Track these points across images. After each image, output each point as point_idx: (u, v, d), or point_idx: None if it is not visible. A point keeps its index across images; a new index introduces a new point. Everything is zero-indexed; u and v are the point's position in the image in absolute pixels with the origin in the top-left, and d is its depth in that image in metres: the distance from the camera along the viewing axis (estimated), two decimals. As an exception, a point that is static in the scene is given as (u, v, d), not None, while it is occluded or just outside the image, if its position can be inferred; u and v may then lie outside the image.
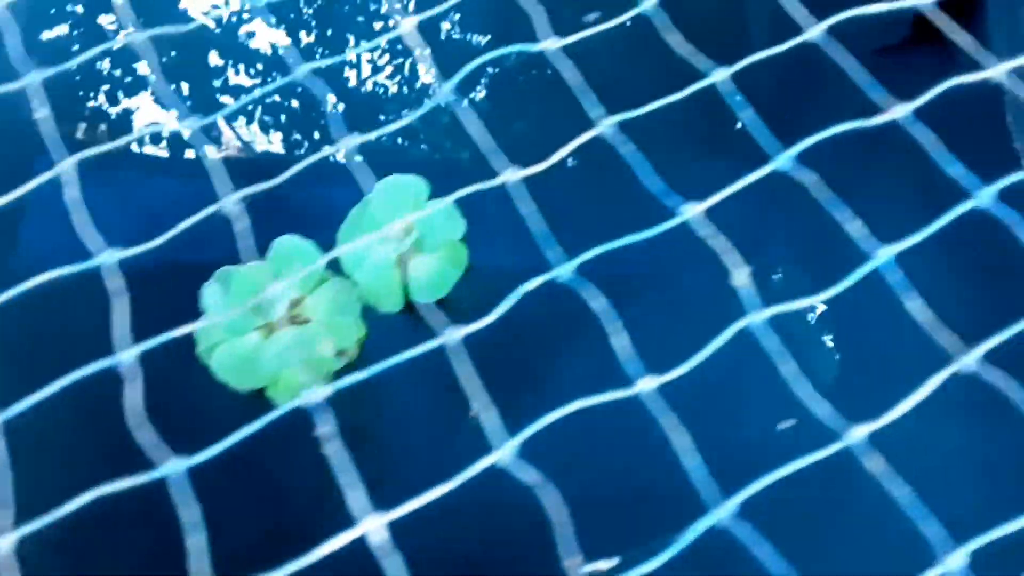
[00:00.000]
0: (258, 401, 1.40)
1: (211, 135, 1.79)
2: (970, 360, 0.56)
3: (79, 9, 1.90)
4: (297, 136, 1.81)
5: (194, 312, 1.42)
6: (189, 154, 1.76)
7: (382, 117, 1.81)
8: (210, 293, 1.39)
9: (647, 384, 0.56)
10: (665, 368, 0.59)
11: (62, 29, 1.87)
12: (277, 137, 1.81)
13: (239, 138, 1.77)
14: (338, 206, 1.54)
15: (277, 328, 1.40)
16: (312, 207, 1.59)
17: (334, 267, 1.47)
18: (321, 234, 1.48)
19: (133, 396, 0.67)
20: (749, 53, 0.73)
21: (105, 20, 1.89)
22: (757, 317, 0.58)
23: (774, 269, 1.55)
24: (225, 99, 1.83)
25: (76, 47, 1.86)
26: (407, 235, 1.47)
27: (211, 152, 1.74)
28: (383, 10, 1.92)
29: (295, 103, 1.88)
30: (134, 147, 1.74)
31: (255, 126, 1.81)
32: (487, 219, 1.58)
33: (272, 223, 1.56)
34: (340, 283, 1.44)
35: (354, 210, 1.51)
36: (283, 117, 1.86)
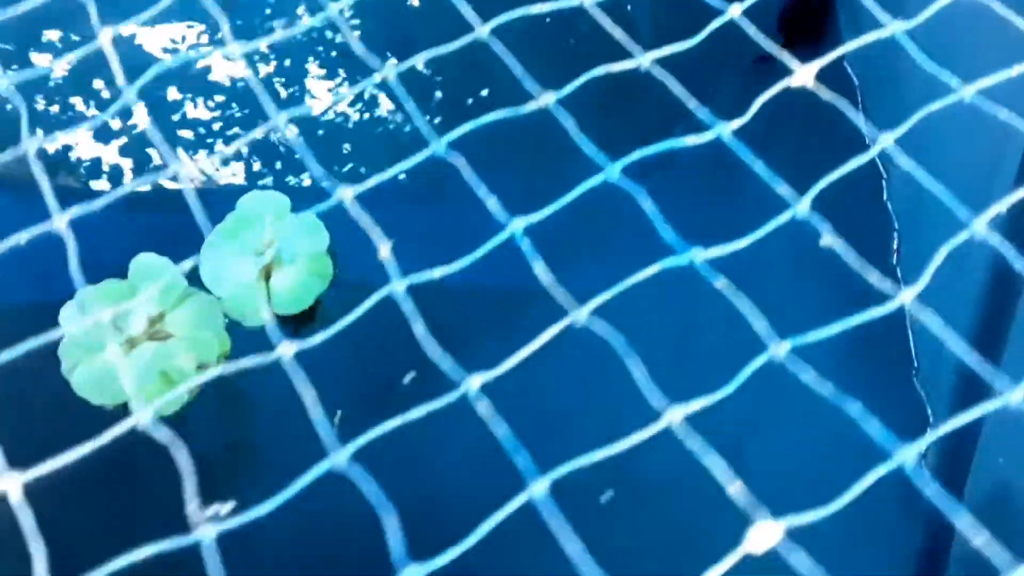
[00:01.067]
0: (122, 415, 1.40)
1: (172, 168, 1.79)
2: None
3: (10, 47, 1.91)
4: (259, 167, 1.83)
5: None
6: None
7: (347, 147, 1.85)
8: (67, 313, 1.39)
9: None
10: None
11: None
12: (240, 168, 1.83)
13: (201, 171, 1.78)
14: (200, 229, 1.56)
15: (138, 344, 1.40)
16: (176, 230, 1.61)
17: (198, 284, 1.48)
18: (186, 255, 1.50)
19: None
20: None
21: (41, 59, 1.90)
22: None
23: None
24: (184, 133, 1.84)
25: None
26: (267, 248, 1.49)
27: (173, 187, 1.77)
28: (338, 39, 1.97)
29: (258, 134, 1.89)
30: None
31: (215, 158, 1.83)
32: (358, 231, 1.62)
33: (135, 248, 1.57)
34: (202, 298, 1.46)
35: (216, 228, 1.52)
36: (245, 149, 1.87)
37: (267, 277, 1.51)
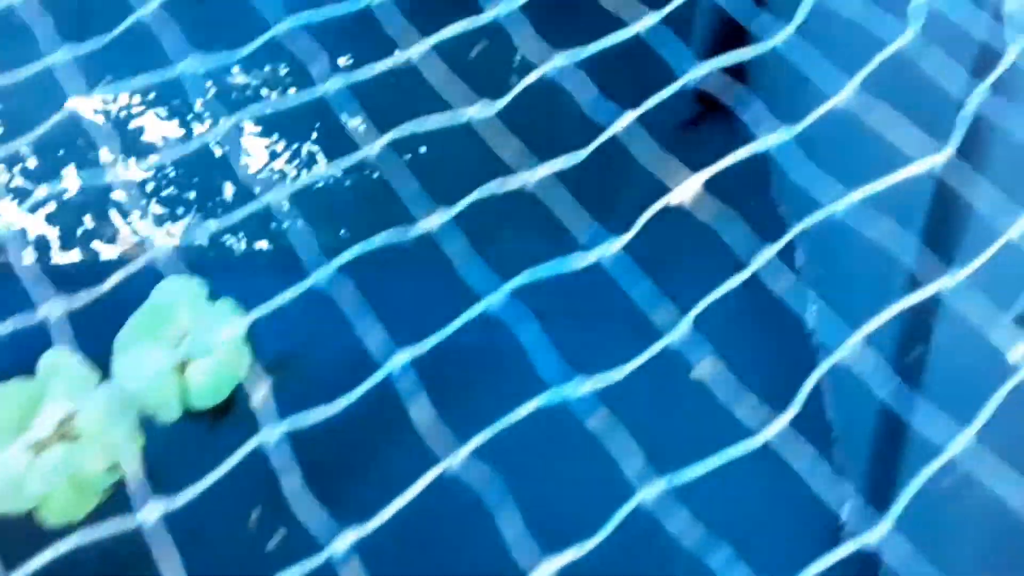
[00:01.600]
0: (28, 522, 1.34)
1: (106, 232, 1.75)
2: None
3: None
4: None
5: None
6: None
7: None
8: (-30, 416, 1.34)
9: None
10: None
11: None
12: (177, 230, 1.78)
13: (135, 233, 1.73)
14: (117, 312, 1.52)
15: (46, 446, 1.35)
16: (89, 318, 1.56)
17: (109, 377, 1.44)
18: (98, 343, 1.44)
19: None
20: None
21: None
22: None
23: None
24: (117, 195, 1.79)
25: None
26: (182, 339, 1.46)
27: (107, 251, 1.71)
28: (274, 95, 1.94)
29: (192, 195, 1.85)
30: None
31: (149, 220, 1.78)
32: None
33: (44, 337, 1.52)
34: (114, 394, 1.41)
35: (132, 317, 1.48)
36: (180, 209, 1.83)
37: (182, 369, 1.47)
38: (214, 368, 1.46)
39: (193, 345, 1.46)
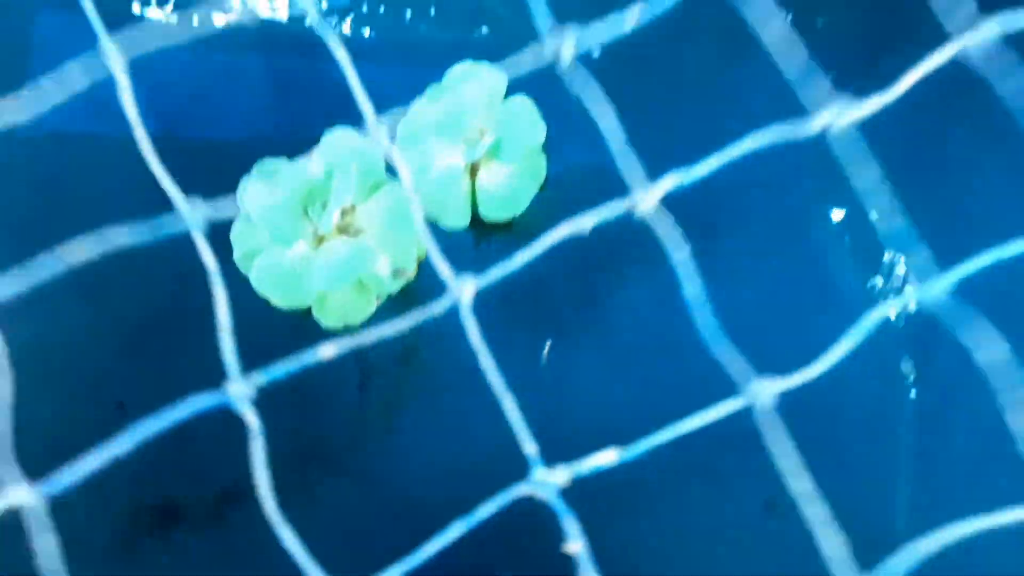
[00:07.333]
0: (304, 321, 1.21)
1: None
2: None
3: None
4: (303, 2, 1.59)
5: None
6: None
7: None
8: (254, 189, 1.18)
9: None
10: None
11: None
12: (282, 3, 1.59)
13: (243, 2, 1.54)
14: (393, 92, 1.33)
15: (326, 239, 1.20)
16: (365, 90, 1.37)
17: (392, 171, 1.26)
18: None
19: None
20: None
21: None
22: None
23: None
24: None
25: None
26: (482, 137, 1.26)
27: (217, 18, 1.54)
28: None
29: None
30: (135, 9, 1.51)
31: None
32: (566, 120, 1.38)
33: (312, 106, 1.35)
34: (399, 190, 1.24)
35: (417, 102, 1.29)
36: None
37: (473, 172, 1.28)
38: (512, 176, 1.27)
39: (493, 146, 1.26)
